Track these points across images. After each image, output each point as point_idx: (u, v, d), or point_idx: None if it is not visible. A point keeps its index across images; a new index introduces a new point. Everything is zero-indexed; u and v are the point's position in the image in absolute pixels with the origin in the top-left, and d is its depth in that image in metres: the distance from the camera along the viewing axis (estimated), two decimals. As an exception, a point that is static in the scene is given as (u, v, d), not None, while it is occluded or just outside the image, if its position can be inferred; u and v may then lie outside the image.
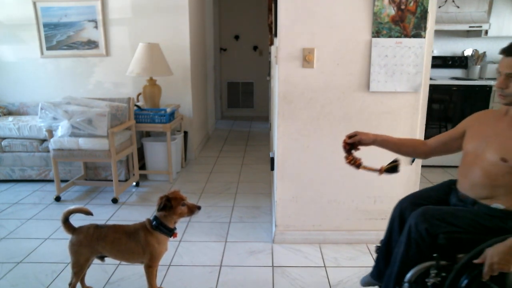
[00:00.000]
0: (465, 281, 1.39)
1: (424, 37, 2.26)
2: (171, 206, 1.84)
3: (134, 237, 1.89)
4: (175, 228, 1.92)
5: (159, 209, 1.84)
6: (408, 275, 1.50)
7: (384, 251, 1.78)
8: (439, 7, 4.05)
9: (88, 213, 1.96)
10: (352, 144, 1.77)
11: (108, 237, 1.90)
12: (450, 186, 1.73)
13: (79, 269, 1.92)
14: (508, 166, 1.45)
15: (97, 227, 1.92)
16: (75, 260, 1.91)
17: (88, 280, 2.18)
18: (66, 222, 1.90)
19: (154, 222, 1.87)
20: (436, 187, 1.81)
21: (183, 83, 4.26)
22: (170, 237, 1.92)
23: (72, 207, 1.92)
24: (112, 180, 3.33)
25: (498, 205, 1.49)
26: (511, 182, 1.47)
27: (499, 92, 1.51)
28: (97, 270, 2.27)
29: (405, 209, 1.71)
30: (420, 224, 1.49)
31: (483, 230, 1.46)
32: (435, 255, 1.44)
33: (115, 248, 1.90)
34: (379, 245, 1.85)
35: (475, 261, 1.36)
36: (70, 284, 1.97)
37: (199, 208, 1.88)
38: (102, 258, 1.99)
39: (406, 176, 2.47)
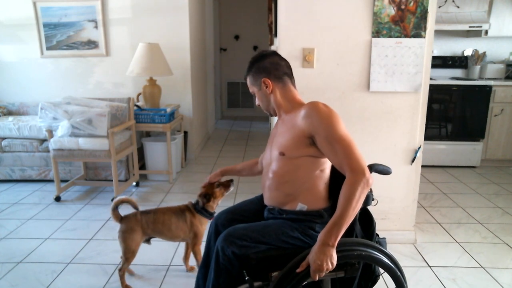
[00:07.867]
0: None
1: (424, 37, 2.26)
2: (210, 197, 2.03)
3: (182, 216, 2.09)
4: (214, 212, 2.08)
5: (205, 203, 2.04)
6: None
7: (204, 273, 1.61)
8: (439, 7, 4.05)
9: (136, 207, 2.08)
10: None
11: (159, 219, 2.06)
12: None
13: (131, 255, 2.03)
14: (287, 158, 1.44)
15: (142, 212, 2.07)
16: (127, 247, 2.01)
17: (88, 280, 2.19)
18: (115, 210, 2.00)
19: (197, 206, 2.07)
20: (254, 199, 1.71)
21: (183, 83, 4.26)
22: (210, 220, 2.07)
23: (122, 196, 2.03)
24: (112, 180, 3.33)
25: (302, 205, 1.44)
26: (298, 177, 1.44)
27: None
28: (97, 270, 2.27)
29: (221, 225, 1.60)
30: (226, 248, 1.37)
31: (293, 241, 1.40)
32: (247, 278, 1.32)
33: (166, 227, 2.07)
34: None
35: (297, 270, 1.28)
36: (120, 269, 2.06)
37: (232, 180, 2.04)
38: (148, 241, 2.13)
39: (406, 176, 2.47)
